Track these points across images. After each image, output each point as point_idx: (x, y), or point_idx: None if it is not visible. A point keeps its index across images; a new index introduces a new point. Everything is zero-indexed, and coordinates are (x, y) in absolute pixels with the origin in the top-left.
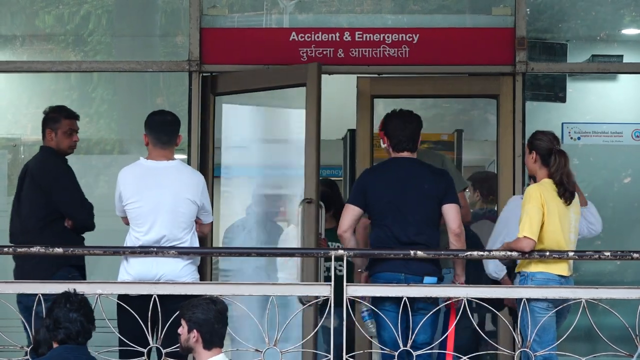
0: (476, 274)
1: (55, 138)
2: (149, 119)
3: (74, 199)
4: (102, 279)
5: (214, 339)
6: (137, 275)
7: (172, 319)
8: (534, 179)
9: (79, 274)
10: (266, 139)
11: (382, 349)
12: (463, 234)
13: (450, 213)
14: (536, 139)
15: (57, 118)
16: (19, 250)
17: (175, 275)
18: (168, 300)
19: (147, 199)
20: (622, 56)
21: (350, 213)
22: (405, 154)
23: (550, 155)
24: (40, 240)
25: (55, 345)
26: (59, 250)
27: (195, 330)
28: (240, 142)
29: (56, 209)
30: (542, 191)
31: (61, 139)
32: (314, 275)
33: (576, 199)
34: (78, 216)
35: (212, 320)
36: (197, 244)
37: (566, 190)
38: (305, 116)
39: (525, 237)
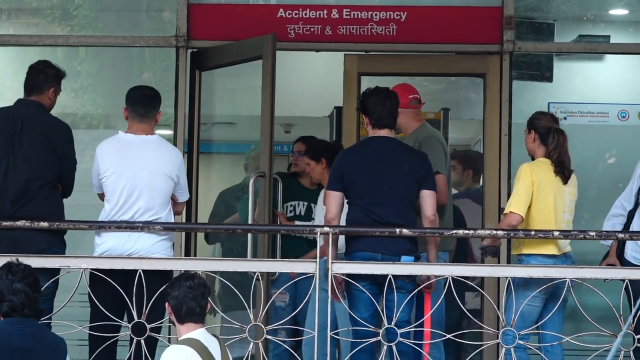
0: (463, 255)
1: (53, 98)
2: (128, 92)
3: (74, 169)
4: (87, 254)
5: (186, 313)
6: (110, 249)
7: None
8: (532, 159)
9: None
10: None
11: (360, 327)
12: (437, 221)
13: (428, 199)
14: (535, 118)
15: (61, 78)
16: (3, 224)
17: (148, 251)
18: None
19: (124, 173)
20: (609, 36)
21: (333, 199)
22: (385, 131)
23: (549, 134)
24: (47, 207)
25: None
26: (44, 224)
27: (168, 305)
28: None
29: (59, 174)
30: (534, 169)
31: (54, 101)
32: (267, 250)
33: (574, 179)
34: (71, 185)
35: (183, 295)
36: (172, 221)
37: (564, 169)
38: (262, 90)
39: (511, 212)
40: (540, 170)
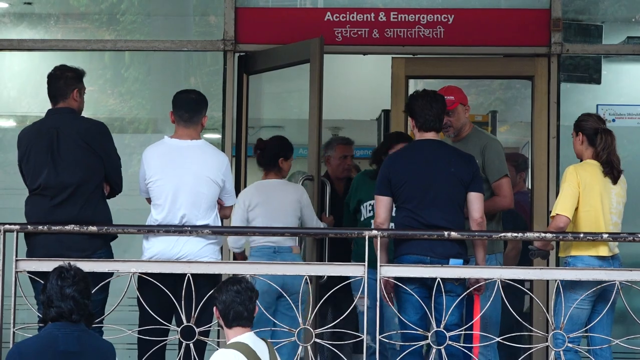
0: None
1: (79, 98)
2: (174, 96)
3: (120, 165)
4: (135, 258)
5: (234, 318)
6: (158, 253)
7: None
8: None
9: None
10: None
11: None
12: (484, 223)
13: (475, 202)
14: (582, 120)
15: (80, 77)
16: (54, 228)
17: (196, 255)
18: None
19: (169, 178)
20: None
21: (382, 204)
22: (432, 134)
23: (596, 135)
24: (93, 212)
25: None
26: (93, 228)
27: (216, 309)
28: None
29: (104, 174)
30: (579, 171)
31: (82, 101)
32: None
33: (622, 181)
34: (120, 182)
35: (230, 299)
36: (219, 224)
37: (613, 169)
38: (309, 93)
39: (557, 214)
40: (585, 171)
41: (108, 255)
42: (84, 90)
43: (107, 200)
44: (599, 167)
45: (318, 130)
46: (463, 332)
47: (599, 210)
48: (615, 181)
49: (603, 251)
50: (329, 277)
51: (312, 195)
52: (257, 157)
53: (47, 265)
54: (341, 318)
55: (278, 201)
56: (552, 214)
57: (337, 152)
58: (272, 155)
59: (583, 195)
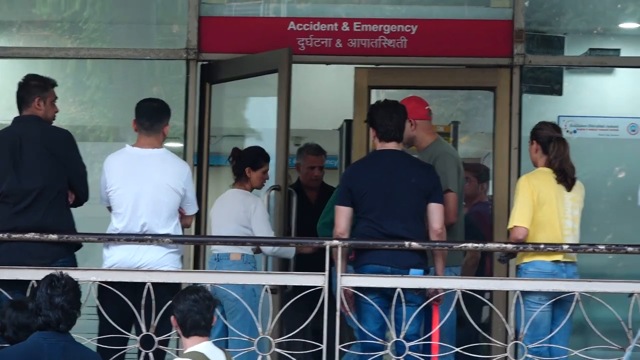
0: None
1: (43, 107)
2: (137, 105)
3: (85, 173)
4: (96, 266)
5: (191, 327)
6: (119, 262)
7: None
8: None
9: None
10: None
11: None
12: (444, 234)
13: (436, 213)
14: (537, 128)
15: (46, 86)
16: (13, 236)
17: (157, 263)
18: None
19: (130, 186)
20: (619, 50)
21: (342, 214)
22: (392, 145)
23: (549, 142)
24: (54, 219)
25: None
26: (54, 237)
27: (173, 318)
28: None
29: (67, 181)
30: (531, 180)
31: (49, 108)
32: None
33: (578, 187)
34: (85, 190)
35: (188, 308)
36: (180, 233)
37: (566, 177)
38: (277, 103)
39: (515, 226)
40: (537, 179)
41: (71, 263)
42: (51, 99)
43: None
44: (551, 174)
45: (285, 139)
46: (422, 343)
47: (554, 216)
48: (569, 189)
49: (556, 256)
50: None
51: (279, 205)
52: (232, 166)
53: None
54: (301, 328)
55: (224, 211)
56: (509, 226)
57: (305, 161)
58: (241, 165)
59: (537, 203)
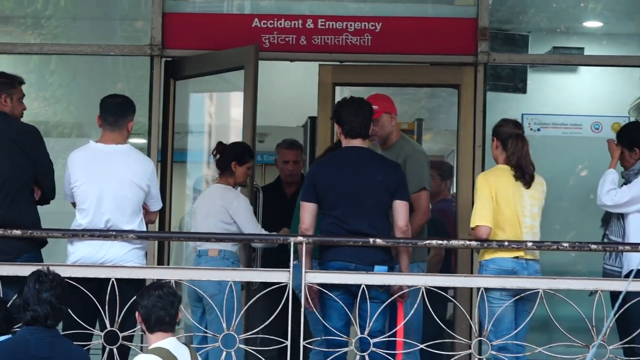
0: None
1: (10, 104)
2: (101, 100)
3: (52, 170)
4: (59, 262)
5: (155, 323)
6: (83, 258)
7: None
8: None
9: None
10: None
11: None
12: (409, 231)
13: (401, 210)
14: (498, 125)
15: (12, 83)
16: None
17: (121, 259)
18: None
19: (93, 182)
20: (583, 48)
21: (307, 210)
22: (358, 141)
23: (508, 139)
24: (18, 214)
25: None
26: (17, 232)
27: (138, 314)
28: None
29: (34, 177)
30: (489, 177)
31: (16, 105)
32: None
33: (539, 184)
34: (52, 187)
35: (152, 304)
36: (144, 229)
37: (524, 174)
38: (243, 100)
39: (478, 225)
40: (495, 176)
41: (36, 259)
42: (18, 96)
43: None
44: (509, 171)
45: (252, 136)
46: (387, 339)
47: (512, 213)
48: (527, 186)
49: (517, 253)
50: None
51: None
52: (215, 161)
53: None
54: (266, 323)
55: (205, 206)
56: (472, 225)
57: (280, 156)
58: (226, 159)
59: (496, 200)
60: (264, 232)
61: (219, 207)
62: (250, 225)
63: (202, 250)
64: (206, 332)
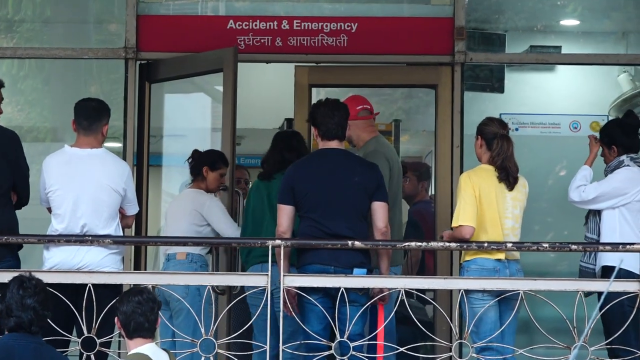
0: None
1: None
2: (75, 104)
3: (28, 175)
4: (35, 268)
5: (135, 329)
6: (59, 263)
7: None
8: None
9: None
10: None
11: (313, 341)
12: (389, 233)
13: (380, 211)
14: (483, 124)
15: None
16: None
17: (97, 264)
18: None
19: (69, 187)
20: (560, 47)
21: (284, 213)
22: (335, 143)
23: (494, 139)
24: (5, 218)
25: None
26: None
27: (117, 320)
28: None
29: (12, 182)
30: (472, 177)
31: None
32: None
33: (521, 186)
34: (27, 192)
35: (131, 310)
36: (121, 234)
37: (509, 175)
38: (223, 103)
39: (461, 225)
40: (478, 176)
41: (14, 264)
42: None
43: None
44: (493, 172)
45: (232, 140)
46: (366, 343)
47: (494, 214)
48: (511, 187)
49: (498, 254)
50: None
51: (227, 206)
52: (189, 167)
53: None
54: (244, 328)
55: (176, 210)
56: (454, 224)
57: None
58: (198, 164)
59: (478, 200)
60: (239, 230)
61: (190, 210)
62: (226, 223)
63: (171, 254)
64: (186, 338)
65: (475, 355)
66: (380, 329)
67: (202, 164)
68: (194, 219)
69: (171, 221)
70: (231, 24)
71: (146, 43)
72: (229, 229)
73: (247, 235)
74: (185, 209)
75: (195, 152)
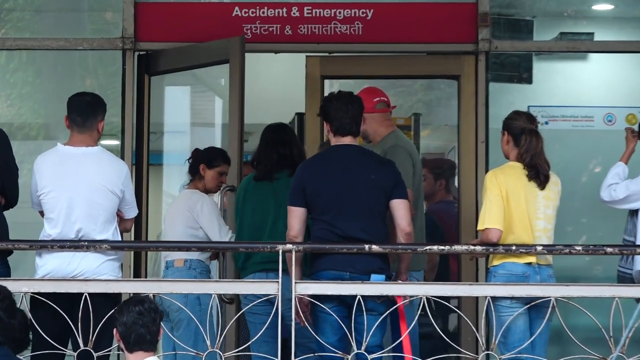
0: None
1: None
2: (69, 99)
3: (17, 176)
4: (28, 276)
5: (135, 341)
6: (53, 271)
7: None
8: None
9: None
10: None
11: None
12: (413, 234)
13: (401, 209)
14: (510, 118)
15: None
16: None
17: (94, 272)
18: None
19: (62, 189)
20: (592, 34)
21: (295, 215)
22: (348, 139)
23: (521, 134)
24: None
25: None
26: None
27: (116, 332)
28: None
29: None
30: (499, 175)
31: None
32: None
33: (554, 184)
34: (16, 193)
35: (132, 321)
36: (119, 239)
37: (539, 173)
38: (229, 96)
39: (488, 228)
40: (505, 175)
41: (3, 272)
42: None
43: None
44: (522, 170)
45: (240, 136)
46: (388, 354)
47: (523, 216)
48: (542, 186)
49: (528, 258)
50: None
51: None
52: (188, 166)
53: None
54: (253, 341)
55: (172, 213)
56: (480, 227)
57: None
58: (195, 163)
59: (506, 200)
60: (230, 233)
61: (183, 211)
62: (214, 229)
63: (169, 261)
64: (190, 351)
65: None
66: (405, 335)
67: (198, 162)
68: (188, 221)
69: (168, 225)
70: (237, 11)
71: (145, 32)
72: (218, 232)
73: (243, 240)
74: (179, 210)
75: (195, 151)
